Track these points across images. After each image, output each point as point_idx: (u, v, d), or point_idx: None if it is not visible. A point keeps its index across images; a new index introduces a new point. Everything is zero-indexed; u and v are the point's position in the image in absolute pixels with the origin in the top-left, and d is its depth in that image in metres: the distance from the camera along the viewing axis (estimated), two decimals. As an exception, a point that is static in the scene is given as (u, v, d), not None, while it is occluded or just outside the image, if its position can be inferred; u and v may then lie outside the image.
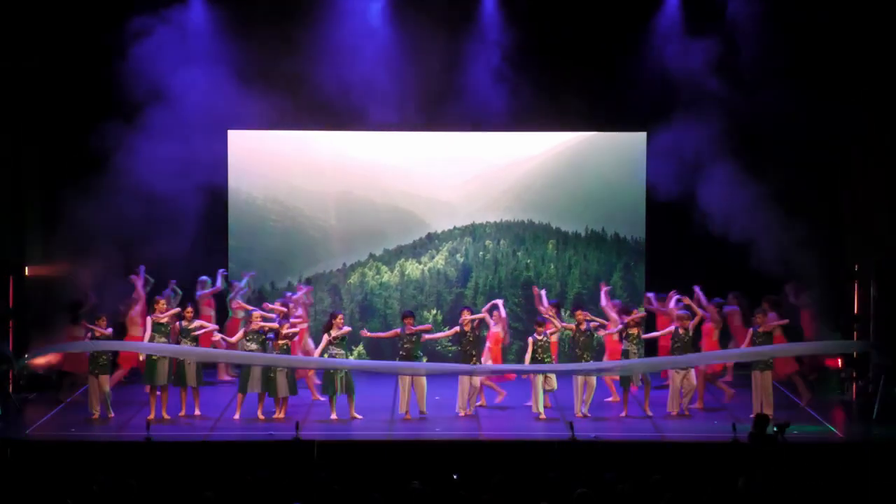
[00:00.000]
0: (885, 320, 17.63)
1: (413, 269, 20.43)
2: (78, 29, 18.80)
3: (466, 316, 16.87)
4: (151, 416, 16.18)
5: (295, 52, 18.84)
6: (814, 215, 18.63)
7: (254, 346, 16.61)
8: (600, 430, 15.63)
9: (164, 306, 16.88)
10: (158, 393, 16.54)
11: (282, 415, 16.46)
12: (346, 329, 16.77)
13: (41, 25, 18.65)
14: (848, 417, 17.11)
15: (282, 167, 20.33)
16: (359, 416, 16.52)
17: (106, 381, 16.48)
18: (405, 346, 16.73)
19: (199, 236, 19.04)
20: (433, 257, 20.51)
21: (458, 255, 20.44)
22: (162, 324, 16.68)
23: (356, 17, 19.18)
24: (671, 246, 19.92)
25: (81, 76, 18.99)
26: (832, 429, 16.16)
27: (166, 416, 16.43)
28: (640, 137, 20.01)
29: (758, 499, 11.90)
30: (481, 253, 20.50)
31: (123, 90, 18.29)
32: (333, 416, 16.45)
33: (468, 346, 16.82)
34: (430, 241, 20.56)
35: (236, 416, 16.54)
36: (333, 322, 16.64)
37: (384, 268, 20.36)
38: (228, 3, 19.28)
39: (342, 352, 16.64)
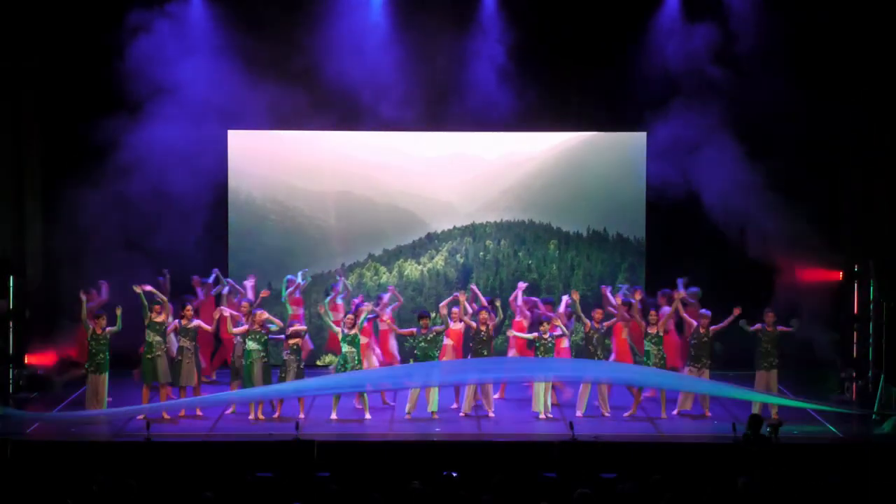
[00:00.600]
0: (885, 320, 17.63)
1: (412, 269, 20.39)
2: (77, 27, 18.81)
3: (484, 315, 16.86)
4: (143, 415, 16.24)
5: (294, 52, 18.85)
6: (814, 215, 18.66)
7: (255, 345, 16.60)
8: (600, 430, 15.63)
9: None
10: (151, 392, 16.56)
11: (302, 415, 16.46)
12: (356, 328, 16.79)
13: (41, 23, 18.64)
14: (848, 417, 17.08)
15: (282, 167, 20.32)
16: (368, 417, 16.53)
17: (104, 381, 16.46)
18: (420, 345, 16.72)
19: (199, 236, 19.05)
20: (433, 258, 20.49)
21: (458, 256, 20.40)
22: (157, 322, 16.65)
23: (356, 17, 19.17)
24: (672, 245, 19.91)
25: (81, 75, 19.00)
26: (832, 429, 16.17)
27: (165, 416, 16.42)
28: (640, 137, 20.00)
29: (758, 499, 11.90)
30: (482, 253, 20.49)
31: (122, 90, 18.32)
32: (333, 416, 16.45)
33: (480, 346, 16.82)
34: (430, 242, 20.54)
35: (251, 417, 16.51)
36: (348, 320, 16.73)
37: (382, 269, 20.33)
38: (228, 2, 19.27)
39: (353, 350, 16.61)
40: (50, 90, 19.09)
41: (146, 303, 16.61)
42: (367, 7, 19.26)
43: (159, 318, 16.64)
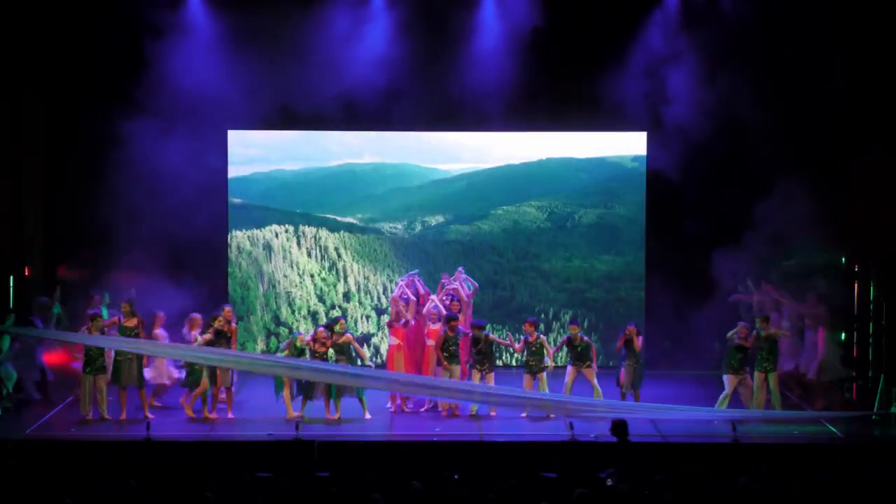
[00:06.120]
0: (886, 320, 17.63)
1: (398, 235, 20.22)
2: (79, 26, 18.83)
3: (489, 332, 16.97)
4: (123, 416, 16.28)
5: (294, 51, 18.84)
6: (814, 214, 18.66)
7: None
8: (600, 430, 15.63)
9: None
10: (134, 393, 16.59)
11: (337, 415, 16.43)
12: (348, 336, 16.69)
13: (41, 21, 18.66)
14: (848, 417, 17.07)
15: (281, 167, 20.33)
16: (368, 417, 16.50)
17: (102, 382, 16.46)
18: (450, 347, 16.72)
19: (198, 236, 19.05)
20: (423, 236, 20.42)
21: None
22: (127, 328, 16.60)
23: (357, 17, 19.16)
24: (672, 245, 19.92)
25: (82, 74, 19.02)
26: (832, 429, 16.18)
27: (123, 417, 16.34)
28: (640, 137, 20.00)
29: (758, 499, 11.90)
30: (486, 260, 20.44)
31: (122, 89, 18.35)
32: (333, 416, 16.44)
33: (481, 355, 16.88)
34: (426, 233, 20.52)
35: (288, 416, 16.34)
36: (334, 328, 16.61)
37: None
38: (229, 2, 19.28)
39: (344, 358, 16.55)
40: (50, 89, 19.10)
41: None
42: (368, 7, 19.26)
43: (129, 324, 16.62)
